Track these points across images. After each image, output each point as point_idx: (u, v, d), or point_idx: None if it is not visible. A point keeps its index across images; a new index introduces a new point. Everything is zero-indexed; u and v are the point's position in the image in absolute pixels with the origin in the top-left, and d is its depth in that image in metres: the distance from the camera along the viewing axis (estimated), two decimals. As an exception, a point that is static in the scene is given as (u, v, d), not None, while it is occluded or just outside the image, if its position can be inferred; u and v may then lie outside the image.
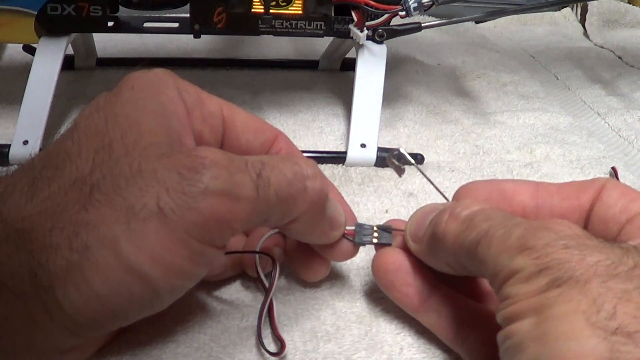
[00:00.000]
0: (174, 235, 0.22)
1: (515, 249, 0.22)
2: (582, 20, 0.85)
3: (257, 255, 0.30)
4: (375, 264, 0.30)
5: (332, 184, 0.32)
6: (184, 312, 0.30)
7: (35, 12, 0.43)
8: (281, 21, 0.45)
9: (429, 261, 0.28)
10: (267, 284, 0.30)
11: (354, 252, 0.31)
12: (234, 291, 0.32)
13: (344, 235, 0.30)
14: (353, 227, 0.30)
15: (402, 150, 0.30)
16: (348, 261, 0.34)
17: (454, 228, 0.26)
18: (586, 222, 0.27)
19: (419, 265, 0.29)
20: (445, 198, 0.31)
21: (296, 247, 0.31)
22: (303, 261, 0.31)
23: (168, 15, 0.48)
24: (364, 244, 0.30)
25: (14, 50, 0.61)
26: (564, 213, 0.27)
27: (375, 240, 0.30)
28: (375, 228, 0.30)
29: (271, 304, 0.29)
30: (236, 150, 0.29)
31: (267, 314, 0.29)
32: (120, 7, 0.46)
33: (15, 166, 0.25)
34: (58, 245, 0.22)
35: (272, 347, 0.28)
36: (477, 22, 0.81)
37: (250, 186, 0.24)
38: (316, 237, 0.29)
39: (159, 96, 0.26)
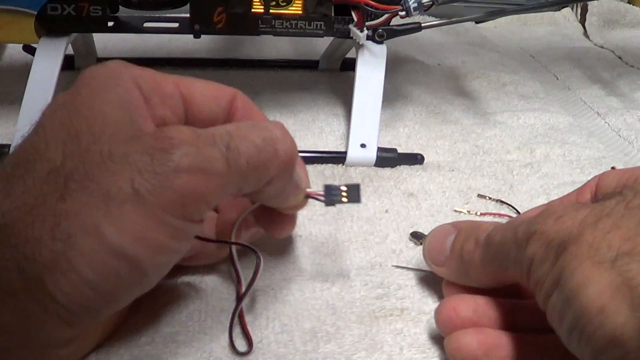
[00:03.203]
0: (153, 214, 0.23)
1: (524, 242, 0.25)
2: (582, 20, 0.85)
3: (231, 246, 0.30)
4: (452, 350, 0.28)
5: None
6: (184, 312, 0.30)
7: (35, 12, 0.43)
8: (281, 21, 0.45)
9: (460, 280, 0.30)
10: (240, 274, 0.30)
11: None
12: (235, 291, 0.32)
13: (313, 197, 0.30)
14: (322, 191, 0.30)
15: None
16: (348, 261, 0.34)
17: (478, 253, 0.28)
18: None
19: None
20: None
21: (262, 208, 0.31)
22: (271, 220, 0.31)
23: (168, 15, 0.48)
24: (334, 204, 0.31)
25: (14, 50, 0.61)
26: None
27: (345, 200, 0.30)
28: (343, 187, 0.31)
29: (240, 301, 0.29)
30: (200, 123, 0.29)
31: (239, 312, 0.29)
32: (120, 7, 0.46)
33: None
34: (41, 237, 0.22)
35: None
36: (477, 22, 0.81)
37: (220, 159, 0.24)
38: (283, 201, 0.29)
39: (115, 89, 0.26)
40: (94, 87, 0.26)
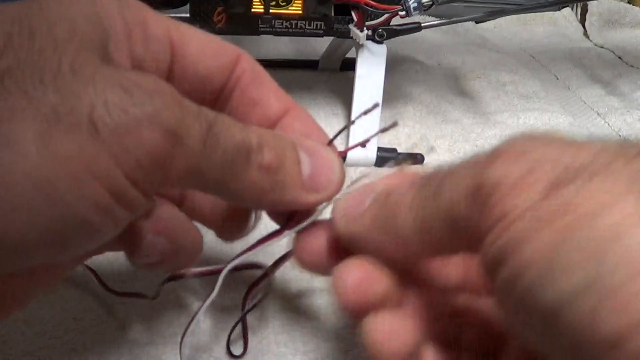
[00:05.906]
0: (100, 157, 0.18)
1: (490, 159, 0.18)
2: (582, 20, 0.85)
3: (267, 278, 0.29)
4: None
5: (318, 127, 0.28)
6: (184, 313, 0.30)
7: (35, 12, 0.43)
8: (281, 21, 0.45)
9: (375, 238, 0.22)
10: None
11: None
12: (236, 291, 0.32)
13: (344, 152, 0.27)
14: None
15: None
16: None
17: (413, 191, 0.21)
18: None
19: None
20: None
21: None
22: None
23: (168, 15, 0.48)
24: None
25: (14, 50, 0.61)
26: None
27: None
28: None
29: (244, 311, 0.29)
30: (189, 81, 0.25)
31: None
32: (120, 7, 0.46)
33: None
34: None
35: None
36: (477, 22, 0.81)
37: (197, 135, 0.20)
38: (283, 206, 0.24)
39: (94, 6, 0.21)
40: None
